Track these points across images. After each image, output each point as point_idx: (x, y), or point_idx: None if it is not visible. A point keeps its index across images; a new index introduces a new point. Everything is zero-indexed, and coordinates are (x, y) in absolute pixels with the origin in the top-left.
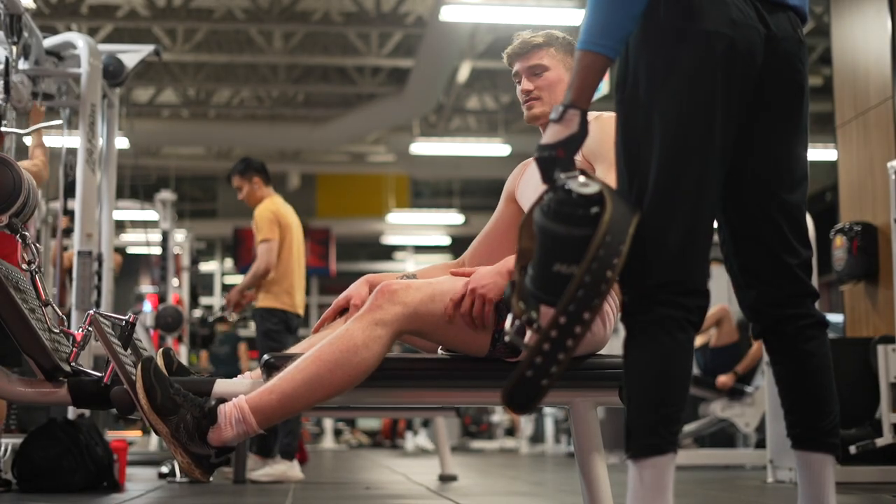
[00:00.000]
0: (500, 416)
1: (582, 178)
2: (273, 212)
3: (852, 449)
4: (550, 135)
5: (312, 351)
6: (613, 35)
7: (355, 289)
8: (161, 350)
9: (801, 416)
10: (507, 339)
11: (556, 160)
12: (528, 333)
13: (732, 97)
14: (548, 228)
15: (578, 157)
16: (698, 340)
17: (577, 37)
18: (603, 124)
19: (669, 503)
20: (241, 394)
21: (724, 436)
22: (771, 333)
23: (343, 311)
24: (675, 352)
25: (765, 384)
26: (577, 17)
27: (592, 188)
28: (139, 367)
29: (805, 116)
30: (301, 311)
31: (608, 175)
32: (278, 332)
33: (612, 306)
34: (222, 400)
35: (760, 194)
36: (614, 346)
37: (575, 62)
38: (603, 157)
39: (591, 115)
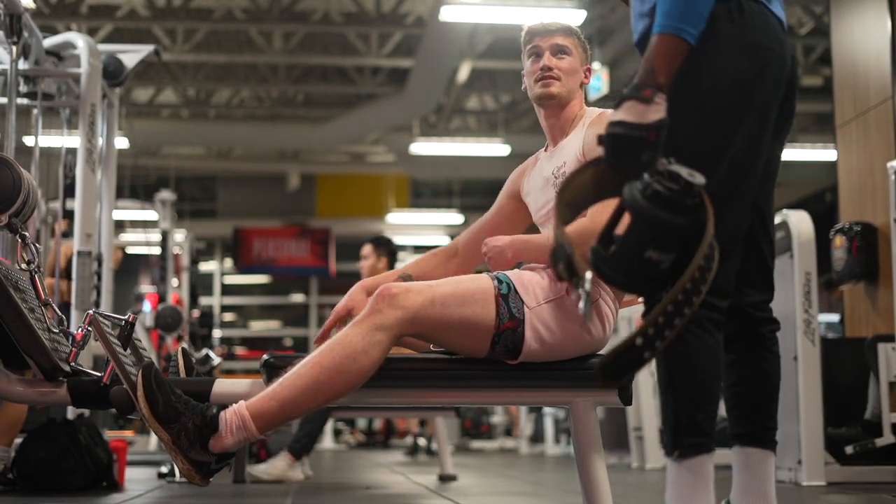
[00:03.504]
0: (499, 416)
1: (684, 167)
2: None
3: (848, 449)
4: (637, 114)
5: (312, 356)
6: (695, 23)
7: (354, 297)
8: (180, 349)
9: (760, 415)
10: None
11: (646, 143)
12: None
13: (774, 108)
14: (648, 213)
15: (578, 151)
16: None
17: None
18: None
19: (712, 500)
20: (240, 394)
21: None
22: (747, 334)
23: (344, 321)
24: (717, 352)
25: None
26: (577, 17)
27: (699, 178)
28: (140, 374)
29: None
30: None
31: None
32: None
33: (610, 307)
34: (223, 407)
35: (762, 200)
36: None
37: (657, 46)
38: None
39: (594, 111)
